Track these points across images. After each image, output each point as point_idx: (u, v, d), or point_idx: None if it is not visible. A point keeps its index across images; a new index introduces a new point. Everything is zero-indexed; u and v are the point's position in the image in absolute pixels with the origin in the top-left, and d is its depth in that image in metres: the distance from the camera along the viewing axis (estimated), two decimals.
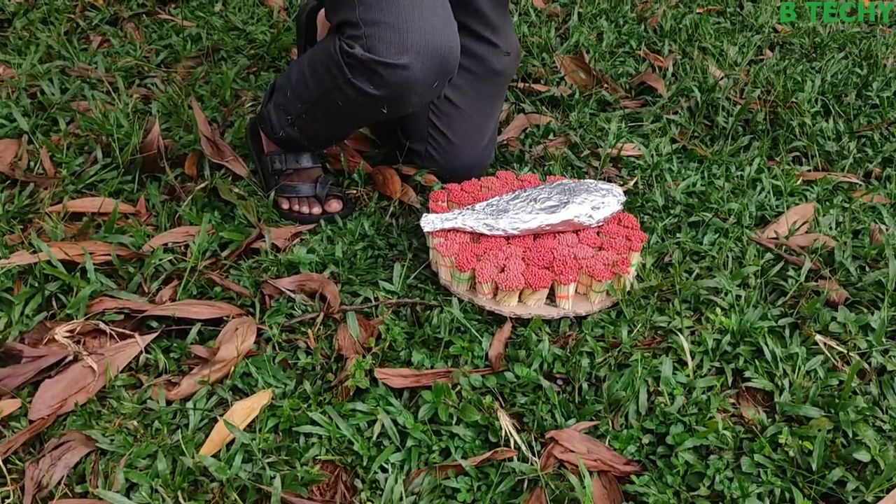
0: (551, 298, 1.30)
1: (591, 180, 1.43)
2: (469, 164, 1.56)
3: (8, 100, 1.78)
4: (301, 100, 1.40)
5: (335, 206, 1.52)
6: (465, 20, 1.47)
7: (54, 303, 1.28)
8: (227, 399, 1.13)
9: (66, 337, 1.20)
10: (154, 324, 1.25)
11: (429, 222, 1.35)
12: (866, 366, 1.22)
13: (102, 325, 1.22)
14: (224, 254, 1.42)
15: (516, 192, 1.40)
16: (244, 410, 1.11)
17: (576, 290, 1.30)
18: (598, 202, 1.37)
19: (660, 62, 2.22)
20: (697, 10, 2.63)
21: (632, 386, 1.14)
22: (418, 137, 1.58)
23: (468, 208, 1.38)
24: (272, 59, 2.11)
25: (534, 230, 1.34)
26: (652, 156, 1.76)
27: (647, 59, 2.25)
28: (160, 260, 1.37)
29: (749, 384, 1.19)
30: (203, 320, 1.25)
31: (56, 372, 1.15)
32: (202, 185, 1.57)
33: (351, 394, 1.13)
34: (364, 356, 1.17)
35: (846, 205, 1.64)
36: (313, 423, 1.09)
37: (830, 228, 1.55)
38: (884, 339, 1.26)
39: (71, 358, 1.17)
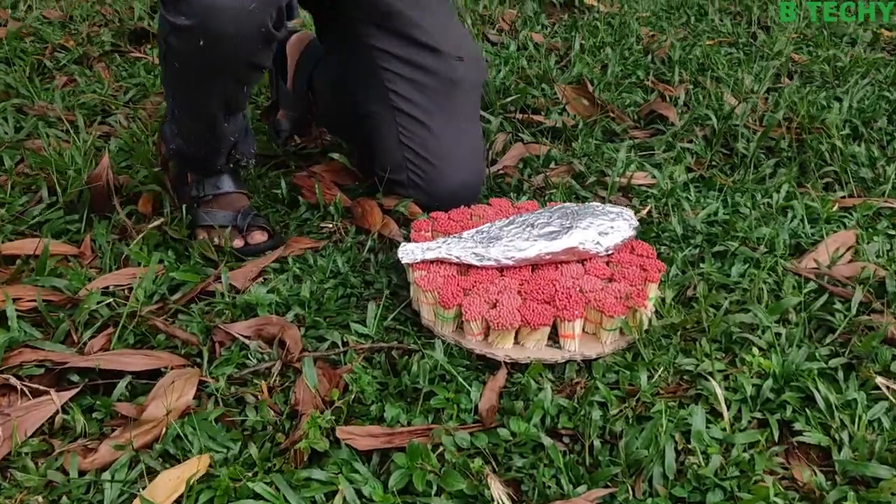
0: (554, 339, 1.09)
1: (598, 203, 1.23)
2: (456, 187, 1.38)
3: None
4: (166, 92, 1.32)
5: (258, 237, 1.34)
6: (384, 22, 1.36)
7: None
8: (154, 468, 0.92)
9: None
10: (76, 378, 1.04)
11: (407, 253, 1.15)
12: None
13: (13, 380, 1.02)
14: (174, 297, 1.22)
15: (511, 218, 1.20)
16: (171, 483, 0.89)
17: (583, 329, 1.09)
18: (607, 227, 1.17)
19: (670, 91, 2.05)
20: (708, 42, 2.47)
21: (655, 442, 0.92)
22: (396, 166, 1.41)
23: (454, 237, 1.18)
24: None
25: (531, 260, 1.14)
26: (666, 183, 1.56)
27: (657, 90, 2.07)
28: (97, 304, 1.17)
29: (800, 438, 0.96)
30: (134, 373, 1.04)
31: None
32: (157, 222, 1.38)
33: (306, 458, 0.91)
34: (323, 411, 0.95)
35: (891, 231, 1.43)
36: (256, 496, 0.87)
37: (877, 256, 1.34)
38: None
39: None
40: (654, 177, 1.59)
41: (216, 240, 1.34)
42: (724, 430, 0.97)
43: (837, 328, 1.14)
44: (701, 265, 1.29)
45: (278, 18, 1.11)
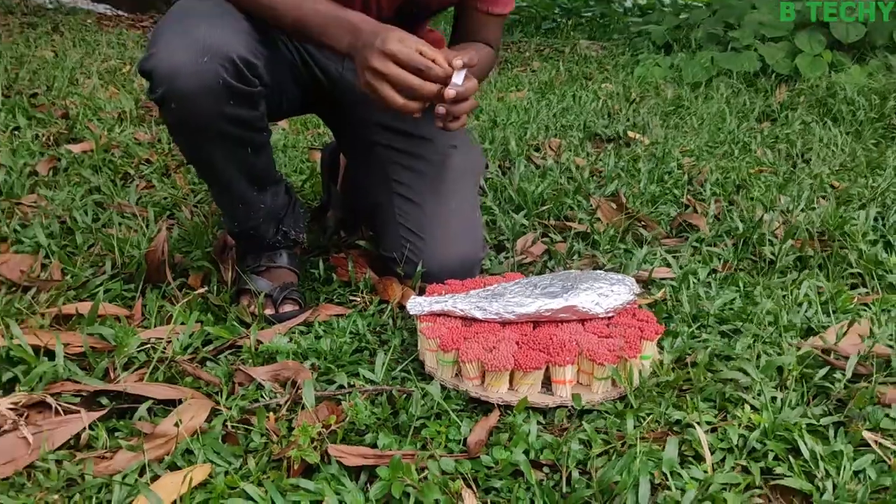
0: (548, 388, 1.14)
1: (601, 271, 1.31)
2: (447, 260, 1.47)
3: (39, 225, 1.81)
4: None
5: (287, 308, 1.46)
6: (389, 123, 1.53)
7: (17, 389, 1.20)
8: (160, 475, 0.99)
9: (10, 409, 1.11)
10: (104, 401, 1.14)
11: (416, 305, 1.24)
12: None
13: (49, 399, 1.12)
14: (207, 349, 1.33)
15: (517, 280, 1.28)
16: (172, 485, 0.96)
17: (577, 379, 1.14)
18: (607, 290, 1.24)
19: (704, 207, 2.13)
20: (749, 171, 2.55)
21: (629, 470, 0.95)
22: (394, 244, 1.53)
23: (462, 294, 1.26)
24: (304, 198, 2.12)
25: (531, 316, 1.21)
26: (687, 277, 1.62)
27: (691, 206, 2.16)
28: (136, 350, 1.29)
29: (781, 482, 0.98)
30: (156, 400, 1.14)
31: None
32: (202, 290, 1.51)
33: (295, 468, 0.98)
34: (314, 425, 1.02)
35: None
36: (248, 497, 0.93)
37: (890, 338, 1.35)
38: None
39: (7, 428, 1.07)
40: (676, 270, 1.65)
41: (252, 307, 1.46)
42: (705, 472, 0.99)
43: (833, 394, 1.16)
44: (705, 335, 1.33)
45: (236, 72, 1.22)
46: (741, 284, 1.60)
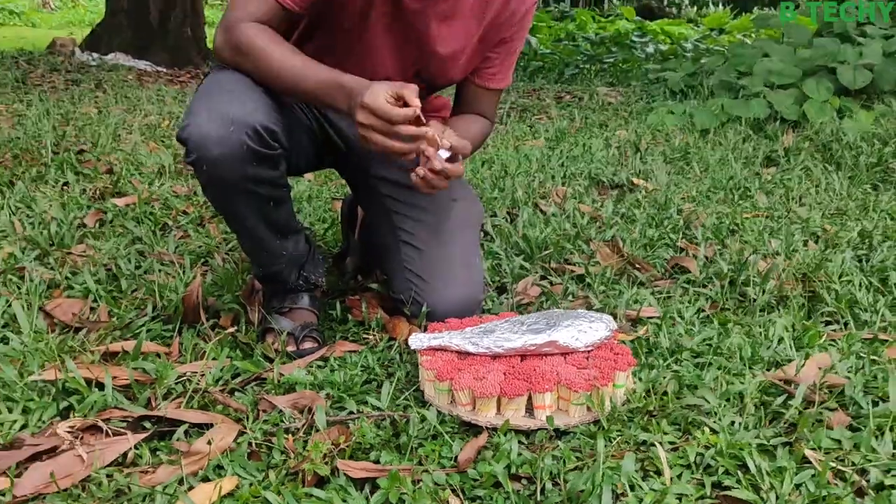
0: (531, 412, 1.30)
1: (583, 310, 1.47)
2: (447, 302, 1.64)
3: (88, 272, 2.02)
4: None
5: (307, 345, 1.62)
6: (385, 173, 1.70)
7: (72, 415, 1.39)
8: (195, 486, 1.17)
9: (67, 432, 1.29)
10: (147, 425, 1.32)
11: (417, 340, 1.41)
12: (863, 481, 1.14)
13: (100, 423, 1.31)
14: (235, 381, 1.50)
15: (508, 318, 1.45)
16: (205, 494, 1.13)
17: (557, 405, 1.30)
18: (586, 327, 1.40)
19: (696, 251, 2.28)
20: (745, 215, 2.70)
21: (593, 481, 1.11)
22: (401, 287, 1.71)
23: (458, 330, 1.43)
24: (326, 245, 2.31)
25: (518, 350, 1.37)
26: (672, 317, 1.77)
27: (686, 250, 2.31)
28: (175, 382, 1.47)
29: (729, 493, 1.12)
30: (191, 424, 1.32)
31: (48, 457, 1.23)
32: (231, 329, 1.69)
33: (309, 480, 1.14)
34: (324, 443, 1.19)
35: (864, 354, 1.57)
36: (268, 503, 1.10)
37: (849, 370, 1.49)
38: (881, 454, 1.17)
39: (65, 447, 1.25)
40: (661, 310, 1.80)
41: (276, 344, 1.64)
42: (663, 484, 1.14)
43: (786, 417, 1.30)
44: (678, 366, 1.48)
45: (259, 138, 1.40)
46: (716, 322, 1.75)
